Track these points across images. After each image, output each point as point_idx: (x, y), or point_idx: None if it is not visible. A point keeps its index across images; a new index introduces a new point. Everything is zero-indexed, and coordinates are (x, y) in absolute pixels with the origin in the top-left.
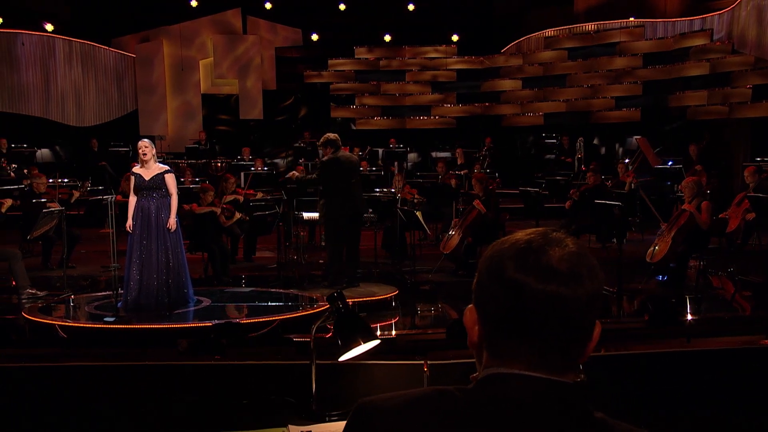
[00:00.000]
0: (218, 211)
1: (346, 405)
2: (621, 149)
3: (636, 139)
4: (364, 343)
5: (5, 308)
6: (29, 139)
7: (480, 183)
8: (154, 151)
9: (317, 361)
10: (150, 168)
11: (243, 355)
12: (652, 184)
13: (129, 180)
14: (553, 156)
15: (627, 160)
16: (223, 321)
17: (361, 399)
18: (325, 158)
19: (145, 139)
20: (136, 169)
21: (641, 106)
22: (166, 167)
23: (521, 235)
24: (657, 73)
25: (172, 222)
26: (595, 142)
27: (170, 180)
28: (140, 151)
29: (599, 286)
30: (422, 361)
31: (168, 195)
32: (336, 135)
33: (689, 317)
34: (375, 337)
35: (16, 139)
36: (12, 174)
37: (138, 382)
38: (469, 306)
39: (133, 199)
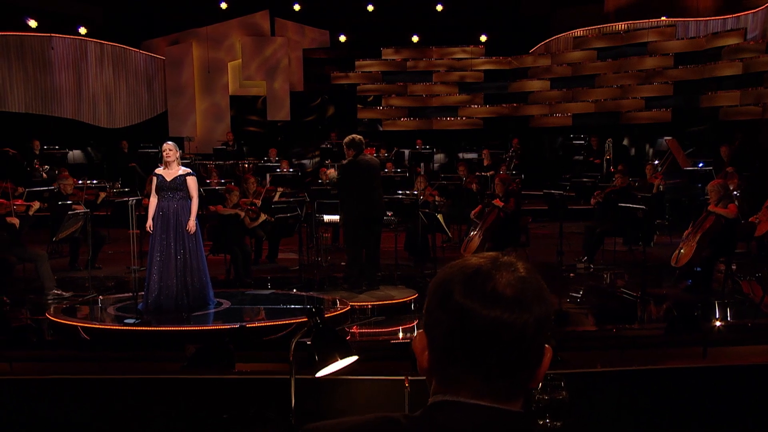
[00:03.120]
0: (242, 214)
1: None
2: (651, 150)
3: (666, 140)
4: (341, 359)
5: (33, 309)
6: (61, 141)
7: (503, 183)
8: (178, 154)
9: (297, 376)
10: (172, 170)
11: (228, 370)
12: (682, 186)
13: (152, 182)
14: (581, 157)
15: (656, 162)
16: (237, 325)
17: (305, 426)
18: (345, 162)
19: (170, 142)
20: (159, 170)
21: (672, 107)
22: (188, 170)
23: (473, 259)
24: (688, 73)
25: (192, 225)
26: (625, 143)
27: (191, 183)
28: (164, 153)
29: (547, 312)
30: (403, 377)
31: (189, 198)
32: (361, 137)
33: (710, 324)
34: (352, 353)
35: (48, 140)
36: (44, 175)
37: (119, 396)
38: (419, 331)
39: (153, 200)
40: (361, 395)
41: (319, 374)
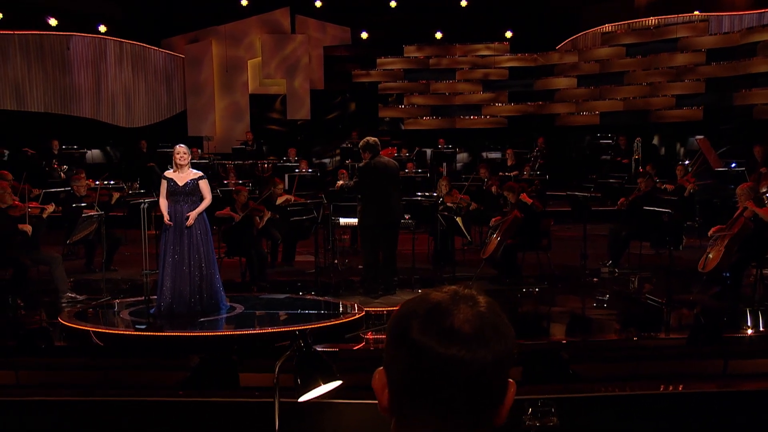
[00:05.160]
0: (237, 218)
1: None
2: (682, 150)
3: (697, 139)
4: (324, 384)
5: (47, 312)
6: (80, 141)
7: (512, 192)
8: (190, 157)
9: (281, 399)
10: (184, 173)
11: (231, 382)
12: (713, 187)
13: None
14: (609, 157)
15: (687, 162)
16: (247, 331)
17: None
18: (361, 164)
19: (183, 145)
20: (169, 173)
21: (704, 105)
22: (200, 173)
23: (433, 294)
24: (721, 70)
25: (192, 216)
26: (655, 142)
27: (204, 186)
28: (177, 156)
29: (507, 348)
30: None
31: (202, 200)
32: (375, 139)
33: (734, 334)
34: (336, 378)
35: (67, 140)
36: (62, 175)
37: (101, 418)
38: (379, 368)
39: (164, 202)
40: (349, 419)
41: (302, 399)
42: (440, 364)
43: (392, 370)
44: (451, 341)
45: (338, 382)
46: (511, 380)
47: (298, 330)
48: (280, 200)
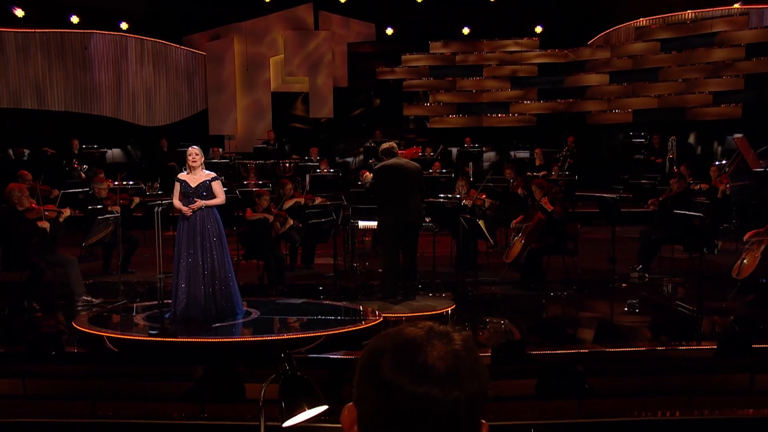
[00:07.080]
0: (270, 218)
1: None
2: (720, 149)
3: (734, 138)
4: (309, 409)
5: (63, 315)
6: (100, 140)
7: (540, 189)
8: (203, 159)
9: (267, 423)
10: (197, 175)
11: (237, 394)
12: (751, 188)
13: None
14: (642, 156)
15: (724, 161)
16: (261, 338)
17: None
18: (377, 166)
19: (195, 146)
20: (182, 175)
21: (743, 102)
22: (213, 174)
23: (408, 329)
24: (762, 66)
25: (200, 203)
26: (690, 141)
27: (217, 187)
28: (190, 157)
29: (480, 388)
30: None
31: None
32: (391, 144)
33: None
34: (322, 403)
35: (87, 139)
36: (83, 175)
37: None
38: (349, 404)
39: (178, 204)
40: None
41: (287, 424)
42: (411, 403)
43: (362, 406)
44: (423, 379)
45: (324, 407)
46: (483, 421)
47: (283, 353)
48: (288, 203)
